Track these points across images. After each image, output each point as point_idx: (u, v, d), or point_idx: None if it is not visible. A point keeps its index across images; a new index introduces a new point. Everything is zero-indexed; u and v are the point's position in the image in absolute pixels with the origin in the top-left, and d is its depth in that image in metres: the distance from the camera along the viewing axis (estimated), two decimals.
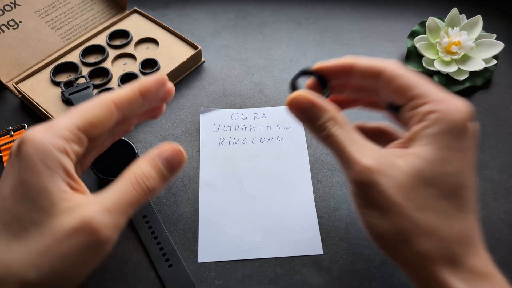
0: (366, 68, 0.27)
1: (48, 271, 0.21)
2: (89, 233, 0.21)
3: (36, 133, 0.23)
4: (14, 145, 0.23)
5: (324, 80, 0.29)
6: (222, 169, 0.39)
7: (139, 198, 0.23)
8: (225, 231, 0.35)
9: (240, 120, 0.43)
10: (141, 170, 0.24)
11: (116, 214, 0.22)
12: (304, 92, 0.26)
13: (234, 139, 0.41)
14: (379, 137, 0.31)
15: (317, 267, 0.33)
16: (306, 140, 0.41)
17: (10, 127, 0.41)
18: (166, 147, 0.25)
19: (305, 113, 0.26)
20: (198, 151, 0.40)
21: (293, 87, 0.29)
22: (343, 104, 0.32)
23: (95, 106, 0.25)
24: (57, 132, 0.23)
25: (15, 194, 0.22)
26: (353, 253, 0.34)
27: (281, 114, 0.43)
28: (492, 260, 0.24)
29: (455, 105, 0.24)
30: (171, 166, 0.25)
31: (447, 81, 0.45)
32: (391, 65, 0.26)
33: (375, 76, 0.27)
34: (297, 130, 0.42)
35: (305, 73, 0.29)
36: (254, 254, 0.34)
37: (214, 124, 0.42)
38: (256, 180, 0.38)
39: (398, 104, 0.27)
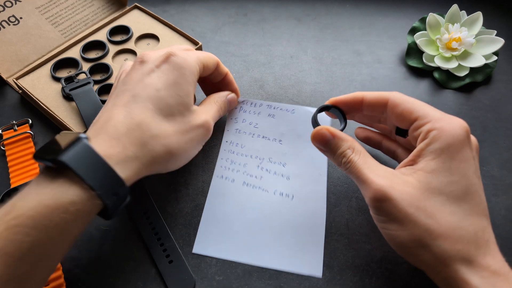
0: (374, 99, 0.32)
1: (182, 146, 0.31)
2: (207, 129, 0.33)
3: (184, 54, 0.32)
4: (159, 56, 0.32)
5: (340, 112, 0.33)
6: (239, 161, 0.39)
7: (218, 117, 0.37)
8: (227, 229, 0.35)
9: (263, 117, 0.42)
10: (220, 103, 0.37)
11: (213, 121, 0.35)
12: (326, 126, 0.31)
13: (255, 135, 0.41)
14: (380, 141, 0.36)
15: None
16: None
17: (14, 122, 0.41)
18: (232, 95, 0.39)
19: (327, 144, 0.31)
20: None
21: (315, 122, 0.33)
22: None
23: (207, 57, 0.35)
24: (195, 60, 0.33)
25: (168, 89, 0.30)
26: (353, 249, 0.34)
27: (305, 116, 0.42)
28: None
29: (452, 122, 0.27)
30: (231, 105, 0.39)
31: (447, 77, 0.45)
32: (395, 94, 0.31)
33: (382, 105, 0.31)
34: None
35: (324, 108, 0.34)
36: (249, 259, 0.33)
37: (243, 119, 0.42)
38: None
39: (404, 128, 0.31)
